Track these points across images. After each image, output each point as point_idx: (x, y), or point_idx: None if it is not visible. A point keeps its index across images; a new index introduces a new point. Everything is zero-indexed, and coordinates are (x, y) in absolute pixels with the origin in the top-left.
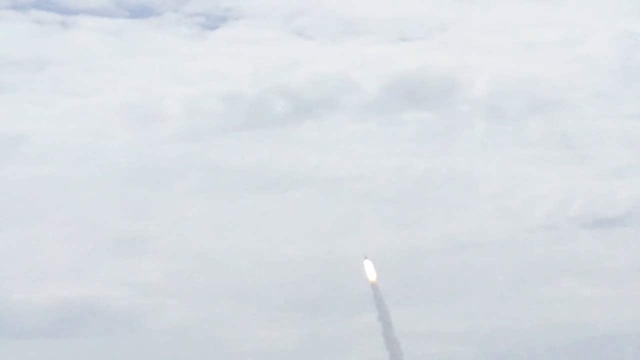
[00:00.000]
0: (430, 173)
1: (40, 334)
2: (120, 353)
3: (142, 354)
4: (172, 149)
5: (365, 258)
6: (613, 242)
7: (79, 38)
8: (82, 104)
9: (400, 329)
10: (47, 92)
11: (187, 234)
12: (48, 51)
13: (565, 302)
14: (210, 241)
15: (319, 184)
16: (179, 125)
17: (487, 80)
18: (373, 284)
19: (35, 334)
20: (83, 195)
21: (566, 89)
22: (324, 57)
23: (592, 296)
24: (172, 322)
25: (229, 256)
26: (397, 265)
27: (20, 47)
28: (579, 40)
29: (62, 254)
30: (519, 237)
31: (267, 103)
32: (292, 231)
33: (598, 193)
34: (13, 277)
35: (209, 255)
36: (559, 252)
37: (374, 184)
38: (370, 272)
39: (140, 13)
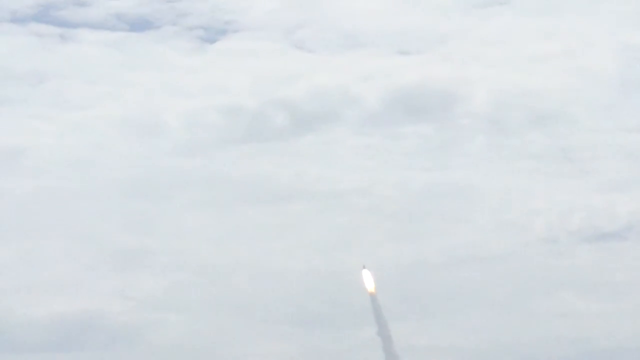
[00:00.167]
0: (431, 186)
1: (40, 349)
2: None
3: None
4: (172, 162)
5: (364, 268)
6: (613, 256)
7: (79, 51)
8: (82, 117)
9: (400, 343)
10: (47, 105)
11: (188, 247)
12: (48, 64)
13: (565, 316)
14: (210, 254)
15: (320, 197)
16: (179, 138)
17: (488, 94)
18: (371, 294)
19: (35, 349)
20: (83, 208)
21: (567, 102)
22: (325, 70)
23: (592, 310)
24: (173, 336)
25: (229, 270)
26: (397, 279)
27: (20, 60)
28: (580, 53)
29: (62, 268)
30: (519, 250)
31: (268, 116)
32: (292, 244)
33: (598, 207)
34: (13, 291)
35: (210, 269)
36: (559, 266)
37: (374, 197)
38: (369, 282)
39: (140, 26)
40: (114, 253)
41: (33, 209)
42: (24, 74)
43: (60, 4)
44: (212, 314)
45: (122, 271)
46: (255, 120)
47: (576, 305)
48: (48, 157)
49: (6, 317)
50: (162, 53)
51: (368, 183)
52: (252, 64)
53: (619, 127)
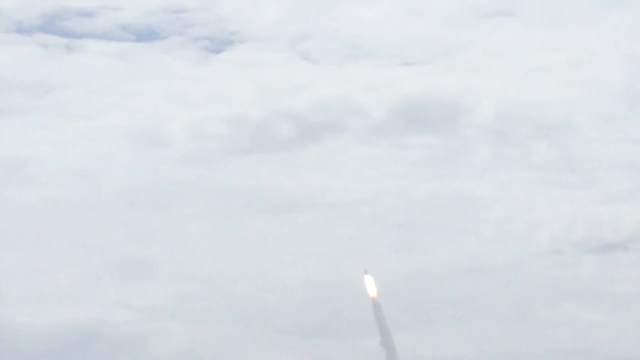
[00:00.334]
0: (435, 197)
1: (43, 358)
2: None
3: None
4: (177, 172)
5: (366, 273)
6: (618, 266)
7: (84, 61)
8: (87, 127)
9: (404, 354)
10: (52, 115)
11: (192, 257)
12: (53, 75)
13: (569, 326)
14: (215, 265)
15: (324, 207)
16: (184, 148)
17: (492, 104)
18: (374, 300)
19: (38, 358)
20: (87, 218)
21: (572, 113)
22: (330, 81)
23: (596, 321)
24: (177, 346)
25: (233, 279)
26: (401, 289)
27: (25, 70)
28: (585, 65)
29: (65, 278)
30: (524, 261)
31: (272, 126)
32: (297, 255)
33: (603, 218)
34: (16, 300)
35: (214, 279)
36: (563, 277)
37: (378, 207)
38: (371, 287)
39: (145, 37)
40: (117, 263)
41: (37, 219)
42: (29, 84)
43: (65, 15)
44: (215, 324)
45: (125, 281)
46: (260, 130)
47: (580, 316)
48: (52, 167)
49: (9, 326)
50: (167, 63)
51: (372, 193)
52: (257, 75)
53: (624, 138)
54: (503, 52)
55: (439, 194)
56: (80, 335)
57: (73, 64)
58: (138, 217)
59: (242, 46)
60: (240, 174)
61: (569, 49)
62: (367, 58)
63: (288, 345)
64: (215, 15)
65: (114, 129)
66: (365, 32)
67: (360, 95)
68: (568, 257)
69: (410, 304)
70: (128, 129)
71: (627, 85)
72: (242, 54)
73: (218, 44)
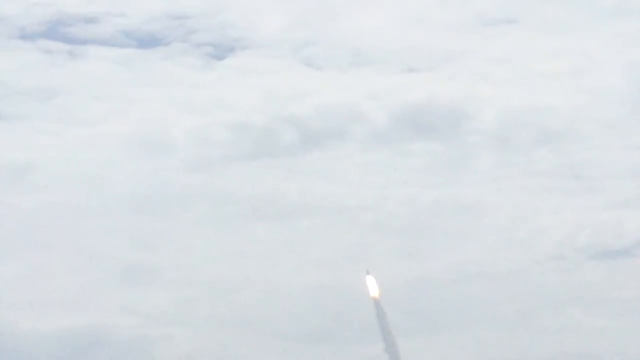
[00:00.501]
0: (439, 203)
1: None
2: None
3: None
4: (180, 179)
5: (368, 273)
6: (621, 272)
7: (88, 68)
8: (90, 134)
9: None
10: (55, 121)
11: (195, 263)
12: (56, 81)
13: (573, 332)
14: (218, 270)
15: (327, 213)
16: (187, 154)
17: (496, 111)
18: (375, 300)
19: None
20: (91, 224)
21: (575, 120)
22: (333, 87)
23: (600, 327)
24: (180, 351)
25: (237, 285)
26: (405, 295)
27: (29, 76)
28: (588, 71)
29: (69, 283)
30: (527, 267)
31: (276, 133)
32: (300, 261)
33: (606, 224)
34: (20, 306)
35: (218, 285)
36: (566, 283)
37: (382, 214)
38: (372, 287)
39: (148, 43)
40: (121, 269)
41: (40, 225)
42: (33, 90)
43: (69, 21)
44: (219, 330)
45: (129, 287)
46: (263, 136)
47: (584, 322)
48: (55, 173)
49: (13, 332)
50: (170, 70)
51: (376, 200)
52: (261, 81)
53: (628, 144)
54: (506, 59)
55: (442, 200)
56: (84, 341)
57: (76, 70)
58: (141, 222)
59: (245, 52)
60: (243, 180)
61: (572, 56)
62: (370, 65)
63: (291, 350)
64: (218, 22)
65: (117, 135)
66: (368, 39)
67: (364, 102)
68: (571, 263)
69: (414, 310)
70: (131, 135)
71: (630, 91)
72: (245, 61)
73: (221, 51)
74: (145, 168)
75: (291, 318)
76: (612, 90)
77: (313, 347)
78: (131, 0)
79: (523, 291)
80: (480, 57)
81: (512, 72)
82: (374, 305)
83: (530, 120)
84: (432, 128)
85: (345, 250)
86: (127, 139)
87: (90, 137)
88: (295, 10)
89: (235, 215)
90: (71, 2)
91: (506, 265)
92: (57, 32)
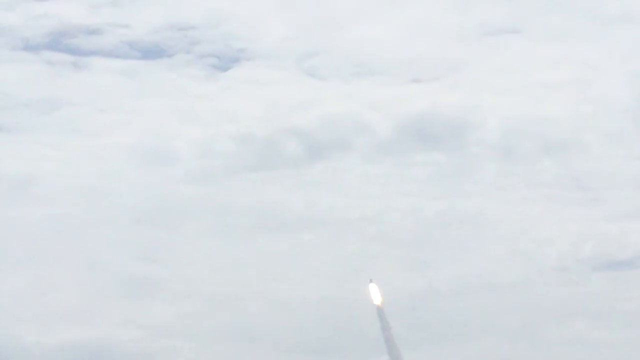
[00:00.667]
0: (442, 214)
1: None
2: None
3: None
4: (184, 190)
5: (370, 282)
6: (625, 284)
7: (91, 79)
8: (94, 145)
9: None
10: (59, 133)
11: (199, 275)
12: (60, 92)
13: (577, 344)
14: (222, 282)
15: (331, 225)
16: (191, 166)
17: (499, 121)
18: (378, 308)
19: None
20: (94, 236)
21: (578, 130)
22: (337, 98)
23: (604, 338)
24: None
25: (241, 297)
26: (409, 306)
27: (32, 88)
28: (592, 81)
29: (73, 296)
30: (531, 279)
31: (279, 144)
32: (303, 272)
33: (610, 235)
34: (23, 319)
35: (221, 297)
36: (570, 294)
37: (385, 225)
38: (375, 295)
39: (152, 54)
40: (124, 281)
41: (43, 237)
42: (36, 101)
43: (72, 32)
44: (222, 342)
45: (132, 299)
46: (267, 148)
47: (588, 334)
48: (59, 185)
49: (17, 345)
50: (174, 81)
51: (379, 211)
52: (264, 92)
53: (631, 155)
54: (510, 69)
55: (446, 211)
56: (88, 354)
57: (80, 81)
58: (145, 234)
59: (249, 64)
60: (247, 191)
61: (576, 66)
62: (373, 75)
63: None
64: (222, 33)
65: (121, 147)
66: (371, 49)
67: (367, 113)
68: (575, 275)
69: (417, 321)
70: (135, 146)
71: (634, 102)
72: (249, 72)
73: (225, 62)
74: (148, 179)
75: (294, 330)
76: (616, 101)
77: (316, 359)
78: (135, 12)
79: (526, 303)
80: (483, 68)
81: (515, 82)
82: (377, 313)
83: (533, 131)
84: (436, 139)
85: (349, 262)
86: (130, 150)
87: (93, 149)
88: (299, 21)
89: (238, 226)
90: (75, 14)
91: (510, 277)
92: (61, 43)
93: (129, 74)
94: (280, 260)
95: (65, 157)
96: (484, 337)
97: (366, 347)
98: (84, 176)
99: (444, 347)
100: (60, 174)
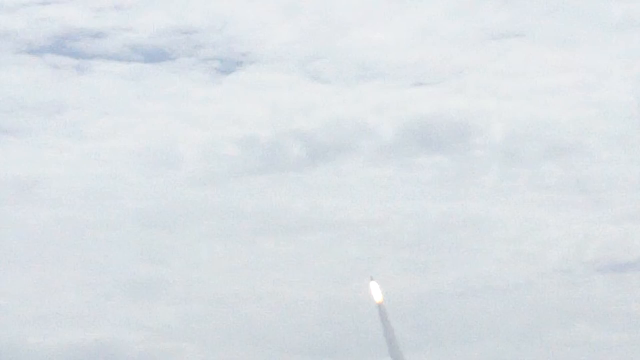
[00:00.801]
0: (446, 217)
1: None
2: None
3: None
4: (187, 193)
5: (371, 279)
6: (629, 286)
7: (95, 82)
8: (98, 148)
9: None
10: (63, 136)
11: (203, 277)
12: (64, 95)
13: (580, 347)
14: (226, 285)
15: (334, 228)
16: (195, 169)
17: (503, 125)
18: (380, 305)
19: None
20: (98, 239)
21: (582, 134)
22: (340, 101)
23: (607, 341)
24: None
25: (244, 300)
26: (412, 309)
27: (36, 91)
28: (595, 85)
29: (77, 298)
30: (534, 281)
31: (283, 147)
32: (307, 275)
33: (613, 238)
34: (28, 320)
35: (225, 299)
36: (574, 297)
37: (389, 228)
38: (376, 293)
39: (155, 57)
40: (128, 283)
41: (48, 239)
42: (40, 104)
43: (76, 36)
44: (226, 344)
45: (137, 301)
46: (271, 151)
47: (591, 336)
48: (63, 188)
49: (21, 347)
50: (177, 84)
51: (383, 214)
52: (268, 95)
53: (635, 158)
54: (513, 72)
55: (449, 214)
56: (92, 355)
57: (83, 84)
58: (149, 237)
59: (252, 67)
60: (250, 194)
61: (579, 70)
62: (377, 79)
63: None
64: (225, 36)
65: (124, 150)
66: (375, 52)
67: (371, 116)
68: (579, 277)
69: (421, 323)
70: (138, 149)
71: (638, 105)
72: (253, 75)
73: (228, 65)
74: (152, 183)
75: (298, 332)
76: (620, 104)
77: None
78: (138, 15)
79: (530, 305)
80: (487, 71)
81: (519, 86)
82: (378, 310)
83: (537, 134)
84: (440, 142)
85: (353, 265)
86: (134, 154)
87: (97, 152)
88: (302, 24)
89: (242, 229)
90: (78, 17)
91: (513, 279)
92: (65, 46)
93: (133, 77)
94: (284, 262)
95: (69, 160)
96: (487, 339)
97: (369, 349)
98: (87, 179)
99: (447, 349)
100: (64, 177)
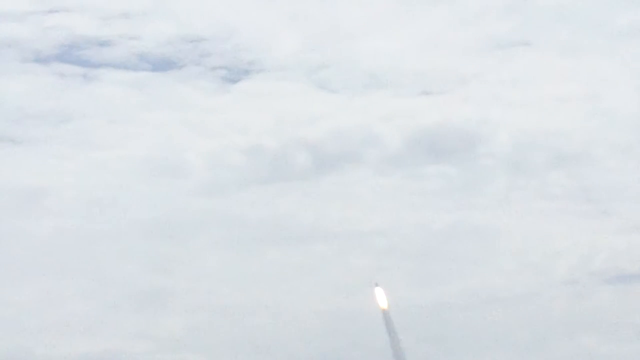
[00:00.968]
0: (452, 227)
1: None
2: None
3: None
4: (193, 203)
5: (376, 285)
6: (636, 297)
7: (102, 91)
8: (104, 157)
9: None
10: (69, 145)
11: (209, 287)
12: (70, 104)
13: (587, 358)
14: (232, 295)
15: (341, 237)
16: (201, 178)
17: (509, 134)
18: (384, 311)
19: None
20: (105, 249)
21: (588, 143)
22: (347, 111)
23: (613, 352)
24: None
25: (250, 310)
26: (418, 320)
27: (43, 100)
28: (602, 94)
29: (83, 308)
30: (541, 292)
31: (289, 156)
32: (314, 285)
33: (620, 248)
34: (34, 331)
35: (231, 309)
36: (580, 307)
37: (395, 238)
38: (382, 299)
39: (162, 66)
40: (135, 293)
41: (54, 249)
42: (47, 113)
43: (83, 44)
44: (232, 355)
45: (144, 311)
46: (277, 160)
47: (598, 347)
48: (70, 197)
49: (27, 358)
50: (184, 93)
51: (389, 224)
52: (274, 104)
53: None
54: (520, 82)
55: (456, 224)
56: None
57: (90, 93)
58: (155, 247)
59: (259, 76)
60: (257, 204)
61: (586, 79)
62: (384, 88)
63: None
64: (232, 45)
65: (131, 159)
66: (382, 61)
67: (378, 125)
68: (586, 288)
69: (428, 334)
70: (145, 158)
71: None
72: (259, 84)
73: (235, 74)
74: (159, 192)
75: (305, 342)
76: (626, 113)
77: None
78: (145, 24)
79: (536, 316)
80: (493, 80)
81: (525, 95)
82: (383, 317)
83: (543, 144)
84: (446, 151)
85: (359, 275)
86: (141, 163)
87: (104, 161)
88: (309, 33)
89: (248, 239)
90: (85, 26)
91: (520, 290)
92: (71, 55)
93: (140, 86)
94: (291, 272)
95: (76, 169)
96: (493, 350)
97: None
98: (94, 188)
99: (453, 359)
100: (71, 186)
